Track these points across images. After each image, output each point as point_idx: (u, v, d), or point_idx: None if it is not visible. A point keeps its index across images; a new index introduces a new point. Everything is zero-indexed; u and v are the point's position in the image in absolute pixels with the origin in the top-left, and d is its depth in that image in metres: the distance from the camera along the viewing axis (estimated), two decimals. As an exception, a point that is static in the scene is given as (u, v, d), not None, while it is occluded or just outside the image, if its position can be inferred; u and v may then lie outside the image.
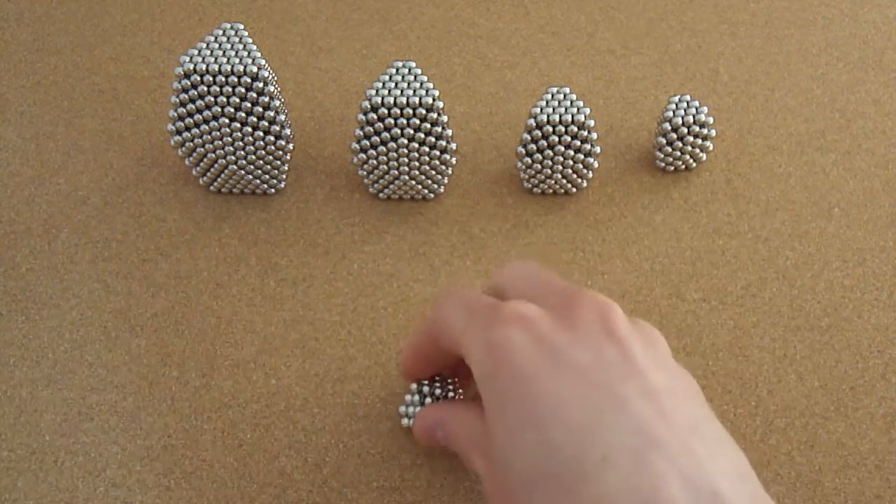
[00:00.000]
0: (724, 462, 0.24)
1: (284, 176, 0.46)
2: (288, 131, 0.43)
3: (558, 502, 0.24)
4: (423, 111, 0.41)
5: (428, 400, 0.37)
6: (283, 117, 0.43)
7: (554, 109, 0.43)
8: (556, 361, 0.26)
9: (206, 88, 0.41)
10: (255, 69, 0.40)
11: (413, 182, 0.45)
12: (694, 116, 0.45)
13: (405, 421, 0.38)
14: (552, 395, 0.25)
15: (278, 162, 0.45)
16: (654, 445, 0.24)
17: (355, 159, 0.43)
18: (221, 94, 0.41)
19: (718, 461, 0.24)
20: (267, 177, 0.46)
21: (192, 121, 0.42)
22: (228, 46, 0.41)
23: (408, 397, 0.38)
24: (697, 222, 0.46)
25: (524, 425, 0.25)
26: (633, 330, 0.28)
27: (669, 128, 0.45)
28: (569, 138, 0.43)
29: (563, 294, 0.29)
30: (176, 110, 0.42)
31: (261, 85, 0.41)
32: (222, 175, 0.45)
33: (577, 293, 0.29)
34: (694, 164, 0.47)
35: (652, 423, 0.24)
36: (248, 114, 0.42)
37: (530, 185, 0.46)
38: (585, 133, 0.43)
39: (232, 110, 0.41)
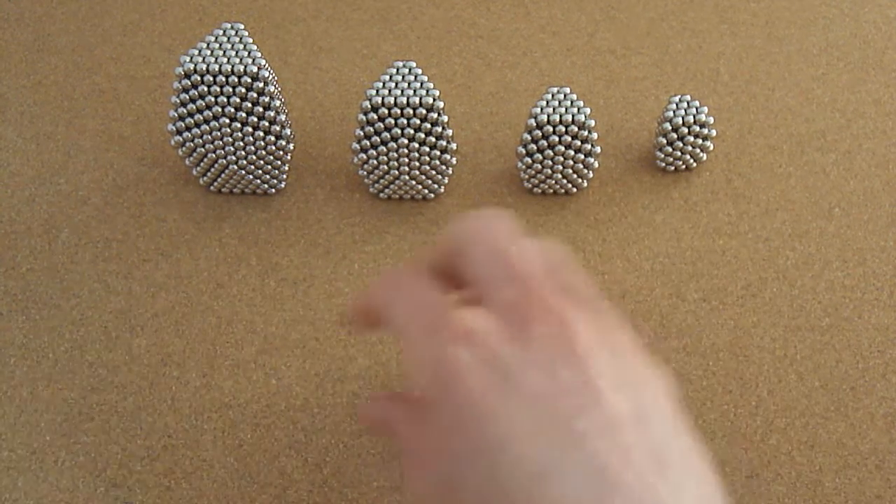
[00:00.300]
0: (688, 497, 0.24)
1: (284, 176, 0.46)
2: (288, 131, 0.43)
3: None
4: (424, 111, 0.41)
5: None
6: (283, 117, 0.43)
7: (554, 109, 0.43)
8: (507, 386, 0.24)
9: (206, 88, 0.41)
10: (255, 69, 0.40)
11: (413, 182, 0.45)
12: (694, 116, 0.45)
13: None
14: (504, 427, 0.23)
15: (278, 162, 0.45)
16: (612, 489, 0.22)
17: (355, 159, 0.43)
18: (221, 94, 0.41)
19: (682, 497, 0.23)
20: (267, 177, 0.46)
21: (192, 121, 0.42)
22: (228, 46, 0.41)
23: None
24: (697, 222, 0.46)
25: (474, 457, 0.24)
26: (594, 341, 0.25)
27: (669, 128, 0.45)
28: (569, 138, 0.43)
29: (522, 286, 0.26)
30: (176, 110, 0.42)
31: (261, 85, 0.41)
32: (222, 175, 0.45)
33: (533, 286, 0.26)
34: (694, 164, 0.47)
35: (611, 464, 0.23)
36: (248, 114, 0.42)
37: (530, 185, 0.46)
38: (585, 133, 0.43)
39: (232, 110, 0.41)
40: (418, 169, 0.44)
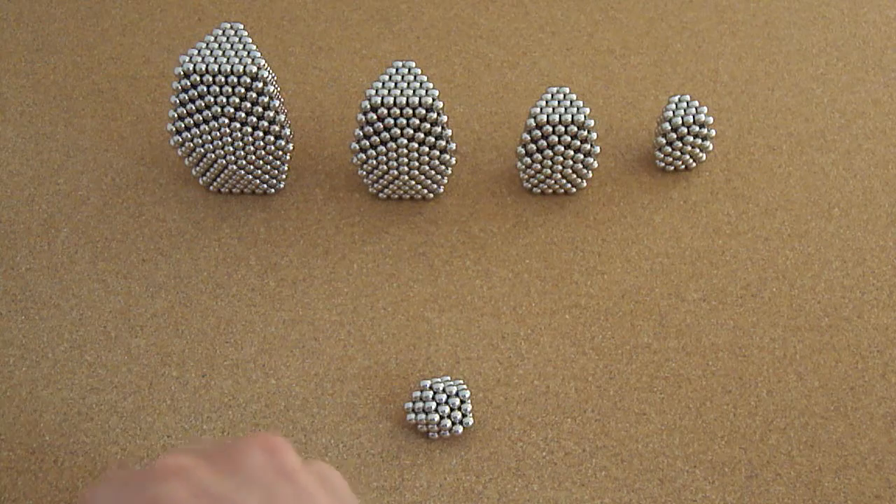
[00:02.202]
0: None
1: (284, 176, 0.46)
2: (288, 131, 0.43)
3: None
4: (423, 111, 0.41)
5: (442, 397, 0.38)
6: (282, 117, 0.43)
7: (554, 109, 0.43)
8: None
9: (205, 88, 0.41)
10: (255, 69, 0.40)
11: (413, 182, 0.45)
12: (694, 116, 0.45)
13: (410, 416, 0.38)
14: None
15: (278, 162, 0.45)
16: None
17: (355, 159, 0.43)
18: (221, 94, 0.41)
19: None
20: (267, 177, 0.46)
21: (191, 121, 0.42)
22: (228, 46, 0.41)
23: (416, 394, 0.39)
24: (697, 222, 0.46)
25: None
26: (304, 463, 0.26)
27: (669, 128, 0.45)
28: (568, 138, 0.43)
29: (218, 443, 0.26)
30: (176, 110, 0.42)
31: (261, 85, 0.41)
32: (222, 175, 0.45)
33: (234, 439, 0.26)
34: (694, 164, 0.47)
35: None
36: (248, 114, 0.42)
37: (530, 185, 0.46)
38: (585, 133, 0.43)
39: (232, 110, 0.41)
40: (418, 169, 0.44)
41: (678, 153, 0.46)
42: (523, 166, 0.45)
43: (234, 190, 0.47)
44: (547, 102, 0.43)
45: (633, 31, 0.55)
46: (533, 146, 0.43)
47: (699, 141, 0.46)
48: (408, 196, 0.46)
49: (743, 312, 0.43)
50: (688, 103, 0.46)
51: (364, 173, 0.44)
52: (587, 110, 0.42)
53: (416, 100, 0.41)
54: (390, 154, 0.43)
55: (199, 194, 0.47)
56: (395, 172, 0.44)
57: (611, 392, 0.40)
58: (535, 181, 0.46)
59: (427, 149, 0.42)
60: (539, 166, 0.44)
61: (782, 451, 0.39)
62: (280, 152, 0.44)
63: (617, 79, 0.52)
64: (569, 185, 0.46)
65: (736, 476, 0.38)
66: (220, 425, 0.39)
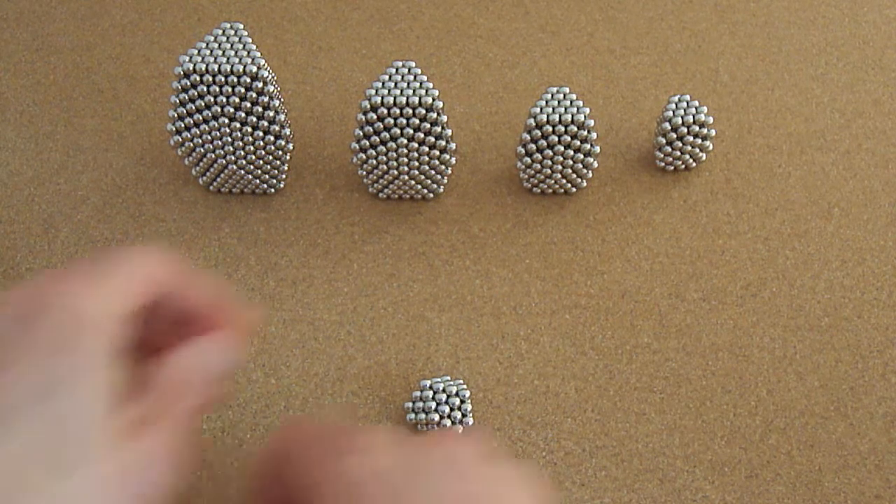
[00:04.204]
0: None
1: (284, 176, 0.46)
2: (288, 131, 0.43)
3: None
4: (423, 111, 0.41)
5: (442, 397, 0.38)
6: (282, 117, 0.43)
7: (554, 109, 0.43)
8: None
9: (205, 88, 0.41)
10: (254, 69, 0.40)
11: (413, 182, 0.45)
12: (694, 116, 0.45)
13: (410, 416, 0.38)
14: None
15: (278, 162, 0.45)
16: None
17: (355, 159, 0.43)
18: (221, 93, 0.41)
19: None
20: (267, 177, 0.46)
21: (191, 120, 0.42)
22: (228, 46, 0.41)
23: (416, 393, 0.39)
24: (697, 222, 0.46)
25: None
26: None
27: (669, 128, 0.45)
28: (568, 138, 0.43)
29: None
30: (176, 110, 0.42)
31: (260, 85, 0.41)
32: (222, 175, 0.45)
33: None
34: (694, 164, 0.47)
35: None
36: (248, 114, 0.42)
37: (530, 185, 0.46)
38: (585, 133, 0.43)
39: (232, 110, 0.41)
40: (417, 169, 0.44)
41: (678, 153, 0.46)
42: (523, 166, 0.45)
43: (234, 190, 0.47)
44: (547, 102, 0.43)
45: (633, 31, 0.55)
46: (533, 146, 0.43)
47: (699, 141, 0.46)
48: (408, 196, 0.46)
49: (743, 312, 0.43)
50: (688, 103, 0.46)
51: (364, 173, 0.44)
52: (587, 110, 0.42)
53: (416, 100, 0.41)
54: (390, 154, 0.43)
55: (199, 194, 0.47)
56: (395, 172, 0.44)
57: (611, 392, 0.40)
58: (535, 181, 0.46)
59: (427, 149, 0.42)
60: (539, 166, 0.44)
61: (782, 451, 0.39)
62: (280, 152, 0.44)
63: (617, 79, 0.52)
64: (569, 185, 0.46)
65: (736, 476, 0.38)
66: (220, 425, 0.39)
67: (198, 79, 0.40)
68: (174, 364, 0.27)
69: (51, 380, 0.23)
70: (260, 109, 0.42)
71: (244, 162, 0.44)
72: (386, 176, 0.44)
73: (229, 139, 0.43)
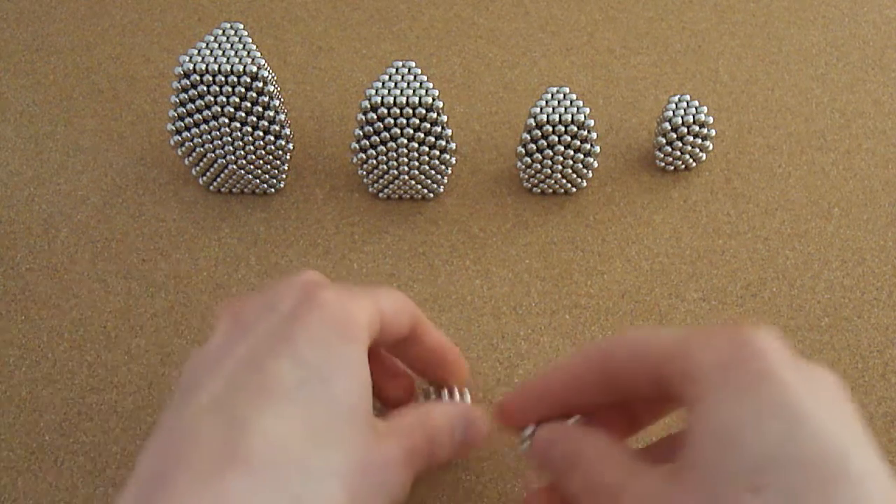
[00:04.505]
0: None
1: (284, 176, 0.46)
2: (288, 131, 0.43)
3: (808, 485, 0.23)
4: (423, 111, 0.41)
5: (449, 398, 0.38)
6: (282, 117, 0.43)
7: (553, 109, 0.43)
8: None
9: (205, 88, 0.41)
10: (254, 69, 0.40)
11: (413, 182, 0.45)
12: (694, 116, 0.45)
13: None
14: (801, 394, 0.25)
15: (278, 162, 0.45)
16: None
17: (355, 159, 0.43)
18: (221, 93, 0.41)
19: None
20: (267, 177, 0.46)
21: (191, 120, 0.42)
22: (228, 46, 0.41)
23: (420, 398, 0.39)
24: (697, 222, 0.46)
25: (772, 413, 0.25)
26: None
27: (669, 127, 0.45)
28: (568, 138, 0.43)
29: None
30: (176, 110, 0.42)
31: (260, 84, 0.41)
32: (222, 175, 0.45)
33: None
34: (694, 164, 0.47)
35: None
36: (248, 113, 0.42)
37: (530, 185, 0.46)
38: (585, 133, 0.43)
39: (232, 110, 0.41)
40: (417, 169, 0.44)
41: (678, 153, 0.46)
42: (523, 166, 0.45)
43: (234, 190, 0.47)
44: (547, 102, 0.43)
45: (633, 30, 0.55)
46: (533, 146, 0.43)
47: (699, 141, 0.46)
48: (408, 196, 0.46)
49: (743, 312, 0.43)
50: (688, 103, 0.46)
51: (364, 173, 0.44)
52: (587, 110, 0.42)
53: (416, 100, 0.41)
54: (390, 154, 0.43)
55: (199, 194, 0.47)
56: (395, 172, 0.44)
57: (611, 392, 0.40)
58: (535, 181, 0.46)
59: (427, 149, 0.42)
60: (539, 166, 0.44)
61: (782, 451, 0.39)
62: (280, 152, 0.44)
63: (617, 79, 0.52)
64: (569, 185, 0.46)
65: (736, 476, 0.38)
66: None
67: (198, 79, 0.40)
68: (432, 411, 0.31)
69: (322, 366, 0.26)
70: (260, 109, 0.42)
71: (244, 162, 0.44)
72: (386, 176, 0.44)
73: (229, 139, 0.43)
